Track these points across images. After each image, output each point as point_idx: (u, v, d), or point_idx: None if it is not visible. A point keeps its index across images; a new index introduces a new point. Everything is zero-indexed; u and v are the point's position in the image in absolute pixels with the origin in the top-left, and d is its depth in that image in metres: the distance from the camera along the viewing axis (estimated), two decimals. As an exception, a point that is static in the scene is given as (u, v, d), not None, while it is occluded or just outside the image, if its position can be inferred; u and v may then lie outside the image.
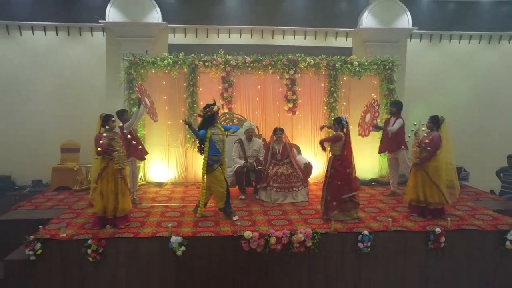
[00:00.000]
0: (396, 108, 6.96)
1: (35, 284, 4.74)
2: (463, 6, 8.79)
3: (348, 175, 5.55)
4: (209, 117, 5.52)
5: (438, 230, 5.16)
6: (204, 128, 5.51)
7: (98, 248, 4.74)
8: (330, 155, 5.69)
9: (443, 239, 5.15)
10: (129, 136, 6.00)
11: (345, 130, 5.55)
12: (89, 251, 4.72)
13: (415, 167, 5.76)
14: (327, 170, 5.71)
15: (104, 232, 4.92)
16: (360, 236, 5.08)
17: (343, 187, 5.53)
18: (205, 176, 5.57)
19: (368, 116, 6.67)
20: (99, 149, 4.96)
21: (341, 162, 5.54)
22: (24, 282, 4.77)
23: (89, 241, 4.74)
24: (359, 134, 6.75)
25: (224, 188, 5.57)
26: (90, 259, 4.73)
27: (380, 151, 7.43)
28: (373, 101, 6.70)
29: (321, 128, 6.51)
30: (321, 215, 5.66)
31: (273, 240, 4.89)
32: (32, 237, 4.73)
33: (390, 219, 5.42)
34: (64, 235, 4.88)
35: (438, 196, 5.65)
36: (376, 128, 6.71)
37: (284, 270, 5.06)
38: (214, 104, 5.55)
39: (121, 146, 5.19)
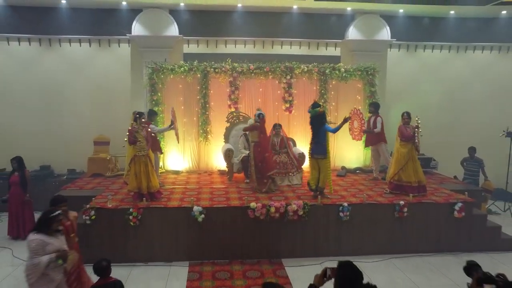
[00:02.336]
0: (374, 108, 8.29)
1: (89, 242, 6.08)
2: (435, 20, 9.88)
3: (266, 157, 7.11)
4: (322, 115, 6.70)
5: (402, 202, 6.56)
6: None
7: (137, 215, 6.12)
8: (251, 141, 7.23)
9: (406, 209, 6.53)
10: (152, 134, 7.29)
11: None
12: (130, 217, 6.09)
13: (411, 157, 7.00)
14: (249, 154, 7.20)
15: (141, 203, 6.32)
16: (341, 207, 6.45)
17: (266, 167, 7.05)
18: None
19: (355, 123, 7.91)
20: (125, 139, 6.35)
21: (260, 148, 7.05)
22: (81, 241, 6.13)
23: (130, 210, 6.12)
24: (353, 139, 8.04)
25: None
26: (131, 223, 6.09)
27: (366, 146, 8.76)
28: (355, 109, 7.90)
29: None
30: (254, 190, 7.13)
31: (272, 210, 6.26)
32: (88, 206, 6.13)
33: (365, 195, 6.84)
34: (111, 205, 6.26)
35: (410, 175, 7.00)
36: (366, 132, 8.04)
37: (281, 233, 6.42)
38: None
39: (142, 137, 6.43)
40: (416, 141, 6.88)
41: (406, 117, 7.15)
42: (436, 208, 6.69)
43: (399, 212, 6.54)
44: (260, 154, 7.15)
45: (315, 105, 6.75)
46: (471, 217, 6.73)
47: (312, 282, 2.67)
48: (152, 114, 7.57)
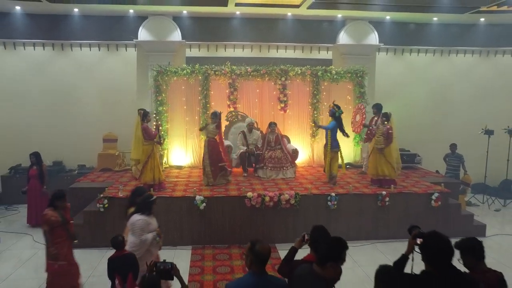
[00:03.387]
0: (376, 109, 8.57)
1: (103, 228, 6.79)
2: (420, 26, 10.56)
3: (220, 151, 7.79)
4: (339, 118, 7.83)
5: (384, 192, 7.28)
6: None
7: (146, 203, 6.84)
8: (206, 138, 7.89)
9: (387, 199, 7.24)
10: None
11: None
12: (140, 205, 6.82)
13: (376, 151, 7.78)
14: (204, 149, 7.85)
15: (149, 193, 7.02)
16: (329, 197, 7.17)
17: (217, 159, 7.70)
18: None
19: (358, 117, 8.65)
20: (146, 135, 7.08)
21: (214, 143, 7.71)
22: (95, 227, 6.86)
23: (140, 199, 6.85)
24: (353, 131, 8.80)
25: None
26: (140, 211, 6.83)
27: (365, 141, 9.05)
28: (360, 105, 8.71)
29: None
30: (205, 184, 7.69)
31: (267, 199, 6.97)
32: (101, 195, 6.84)
33: (352, 186, 7.55)
34: (122, 195, 6.96)
35: (391, 170, 7.73)
36: (366, 126, 8.59)
37: (275, 220, 7.11)
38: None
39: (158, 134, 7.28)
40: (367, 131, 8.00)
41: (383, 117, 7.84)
42: (415, 198, 7.41)
43: (381, 201, 7.25)
44: (215, 148, 7.75)
45: (338, 106, 7.81)
46: (447, 206, 7.45)
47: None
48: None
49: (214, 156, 7.73)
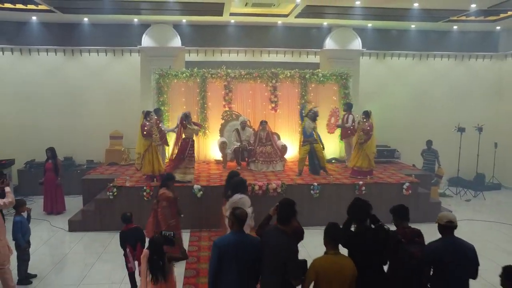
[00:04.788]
0: (347, 107, 9.86)
1: (113, 214, 7.68)
2: (400, 33, 11.49)
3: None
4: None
5: (360, 182, 8.22)
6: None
7: (150, 192, 7.75)
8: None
9: (364, 188, 8.18)
10: (162, 129, 8.89)
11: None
12: (144, 193, 7.73)
13: (357, 145, 8.68)
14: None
15: (153, 183, 7.96)
16: (312, 186, 8.10)
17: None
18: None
19: (332, 119, 9.73)
20: (144, 132, 7.95)
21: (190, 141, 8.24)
22: (105, 212, 7.79)
23: (144, 187, 7.76)
24: (328, 132, 9.80)
25: None
26: (145, 198, 7.71)
27: (341, 139, 10.34)
28: (335, 108, 9.75)
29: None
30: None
31: (256, 187, 7.89)
32: (111, 185, 7.78)
33: (333, 177, 8.49)
34: (129, 184, 7.90)
35: (369, 162, 8.66)
36: (339, 126, 9.68)
37: (263, 207, 7.91)
38: None
39: (156, 131, 8.02)
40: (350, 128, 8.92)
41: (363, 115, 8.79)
42: (389, 187, 8.34)
43: (358, 190, 8.18)
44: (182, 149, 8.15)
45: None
46: (417, 194, 8.39)
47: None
48: (158, 111, 8.81)
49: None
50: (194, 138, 8.51)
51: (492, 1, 8.36)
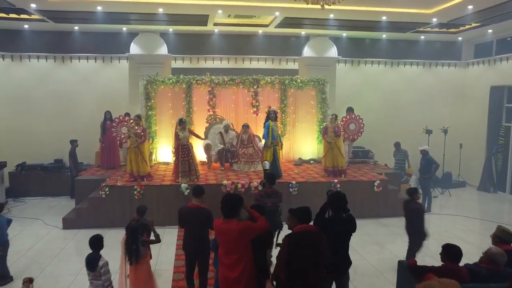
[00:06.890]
0: (348, 111, 10.53)
1: (105, 212, 8.22)
2: (372, 42, 12.34)
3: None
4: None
5: (335, 181, 8.94)
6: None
7: (140, 191, 8.31)
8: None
9: (338, 186, 8.90)
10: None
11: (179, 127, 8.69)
12: (135, 192, 8.27)
13: (330, 145, 9.41)
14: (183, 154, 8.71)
15: (143, 182, 8.51)
16: (291, 184, 8.79)
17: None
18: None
19: (352, 125, 10.22)
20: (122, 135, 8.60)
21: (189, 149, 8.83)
22: (98, 210, 8.30)
23: (135, 187, 8.31)
24: (349, 139, 10.24)
25: None
26: (136, 197, 8.25)
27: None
28: (358, 116, 10.21)
29: None
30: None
31: (239, 185, 8.53)
32: (103, 184, 8.30)
33: (310, 176, 9.20)
34: (120, 184, 8.44)
35: (343, 161, 9.39)
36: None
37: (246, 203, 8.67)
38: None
39: (132, 133, 8.51)
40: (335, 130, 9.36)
41: (332, 117, 9.49)
42: (361, 185, 9.08)
43: (333, 188, 8.89)
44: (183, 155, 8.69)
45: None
46: (387, 191, 9.16)
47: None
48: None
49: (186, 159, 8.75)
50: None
51: (450, 16, 9.27)
